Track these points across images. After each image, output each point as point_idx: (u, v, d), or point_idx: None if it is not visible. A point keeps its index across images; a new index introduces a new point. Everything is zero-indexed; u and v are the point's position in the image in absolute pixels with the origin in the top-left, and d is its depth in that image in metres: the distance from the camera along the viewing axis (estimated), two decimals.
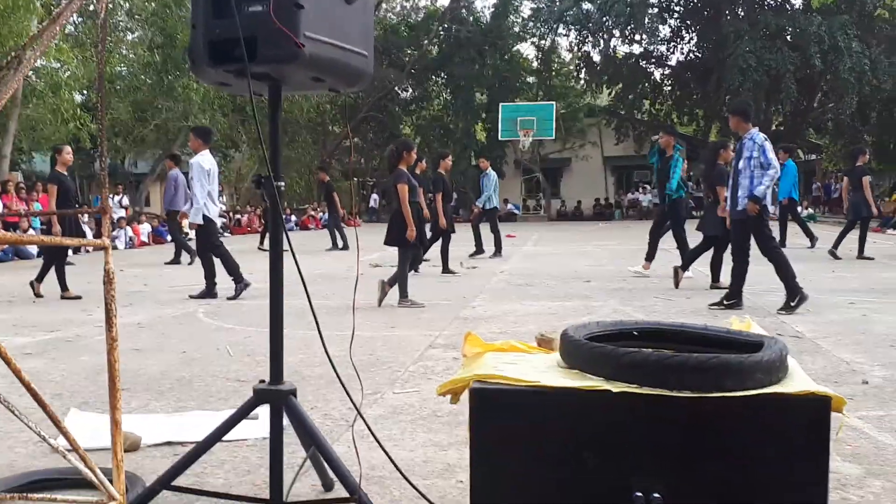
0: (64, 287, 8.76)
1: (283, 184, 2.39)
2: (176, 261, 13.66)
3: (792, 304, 6.92)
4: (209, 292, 8.57)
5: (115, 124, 24.29)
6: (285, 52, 2.11)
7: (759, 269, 10.31)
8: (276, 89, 2.35)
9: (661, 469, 1.91)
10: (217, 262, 8.66)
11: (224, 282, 8.65)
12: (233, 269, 8.52)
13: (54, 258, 8.96)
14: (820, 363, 4.88)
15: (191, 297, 8.60)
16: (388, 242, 7.87)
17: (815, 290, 8.42)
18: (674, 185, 9.70)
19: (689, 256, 9.14)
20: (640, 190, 34.76)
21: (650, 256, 10.10)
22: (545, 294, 8.53)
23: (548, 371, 2.14)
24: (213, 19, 2.21)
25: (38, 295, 8.77)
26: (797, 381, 1.95)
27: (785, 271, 6.98)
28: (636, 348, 2.04)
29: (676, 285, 8.83)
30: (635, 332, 2.35)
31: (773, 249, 7.08)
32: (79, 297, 8.63)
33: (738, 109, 7.40)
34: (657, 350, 2.06)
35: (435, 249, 11.64)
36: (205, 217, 8.57)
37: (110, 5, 20.06)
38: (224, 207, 26.53)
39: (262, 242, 17.15)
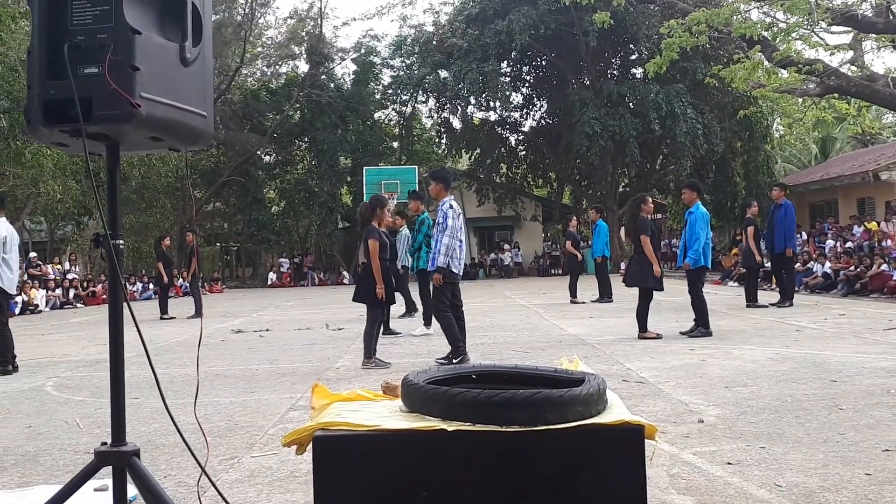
0: None
1: (121, 242, 2.39)
2: None
3: (455, 360, 7.30)
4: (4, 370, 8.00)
5: None
6: (121, 113, 2.15)
7: (610, 321, 10.82)
8: (113, 149, 2.37)
9: (493, 501, 2.02)
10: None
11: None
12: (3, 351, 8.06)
13: None
14: (661, 405, 5.18)
15: None
16: (356, 299, 7.72)
17: (660, 339, 8.93)
18: (411, 251, 11.20)
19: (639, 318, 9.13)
20: (502, 250, 35.77)
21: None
22: (409, 351, 8.62)
23: (390, 416, 2.23)
24: (48, 80, 2.23)
25: None
26: (615, 412, 2.12)
27: (449, 334, 7.45)
28: (469, 388, 2.15)
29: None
30: (473, 375, 2.47)
31: (439, 311, 7.49)
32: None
33: (436, 177, 8.01)
34: (489, 389, 2.18)
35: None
36: (0, 289, 8.03)
37: None
38: (77, 277, 25.25)
39: (164, 312, 15.89)
